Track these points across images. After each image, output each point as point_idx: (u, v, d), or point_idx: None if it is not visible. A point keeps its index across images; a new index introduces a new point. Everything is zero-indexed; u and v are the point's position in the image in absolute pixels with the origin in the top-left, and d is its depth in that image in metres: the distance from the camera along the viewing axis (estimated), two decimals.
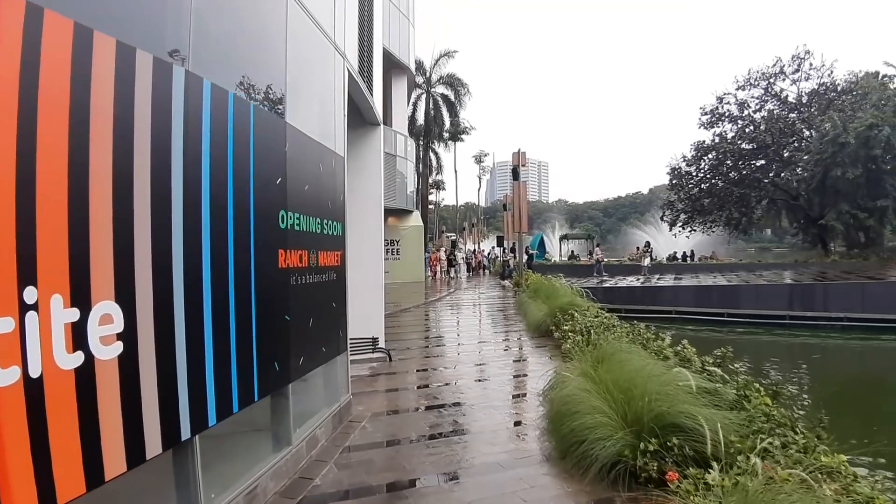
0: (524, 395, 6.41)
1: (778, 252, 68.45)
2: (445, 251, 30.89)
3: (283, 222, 4.02)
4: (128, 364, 2.39)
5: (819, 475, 3.12)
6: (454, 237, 48.88)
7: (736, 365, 4.91)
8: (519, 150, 18.47)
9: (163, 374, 2.63)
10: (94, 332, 2.20)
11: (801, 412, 4.02)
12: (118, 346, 2.34)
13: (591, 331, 7.59)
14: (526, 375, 7.42)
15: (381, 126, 8.26)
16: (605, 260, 33.42)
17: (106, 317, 2.27)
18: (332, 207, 5.09)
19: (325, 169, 4.94)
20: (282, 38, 4.19)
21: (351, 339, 7.82)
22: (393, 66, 25.37)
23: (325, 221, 4.91)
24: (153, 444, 2.56)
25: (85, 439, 2.15)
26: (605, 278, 27.41)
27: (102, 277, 2.27)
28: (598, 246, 34.72)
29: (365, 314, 8.03)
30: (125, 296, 2.39)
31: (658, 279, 25.12)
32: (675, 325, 19.79)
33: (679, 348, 6.28)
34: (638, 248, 40.33)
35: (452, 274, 28.75)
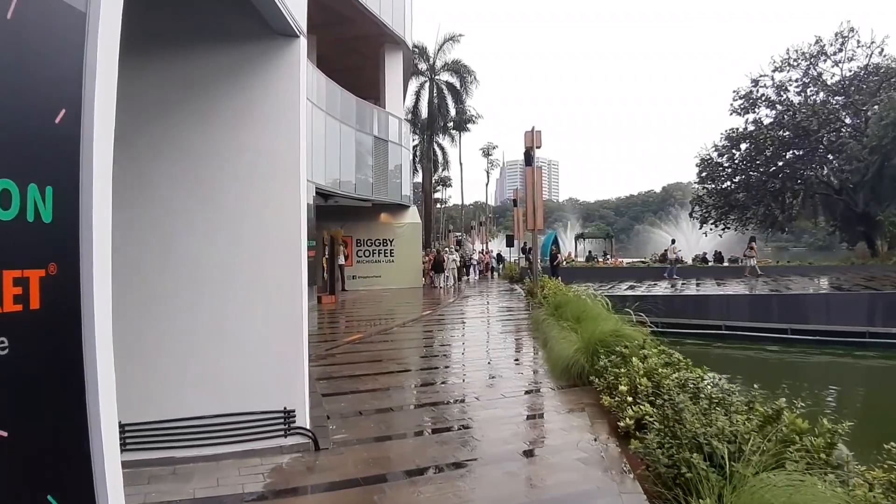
0: None
1: (795, 252, 64.18)
2: (439, 252, 25.53)
3: None
4: None
5: None
6: (460, 235, 45.36)
7: None
8: (533, 128, 14.91)
9: None
10: None
11: None
12: None
13: (684, 409, 4.01)
14: None
15: (303, 40, 4.75)
16: (683, 261, 28.74)
17: None
18: None
19: None
20: None
21: (233, 415, 4.38)
22: (386, 38, 21.94)
23: None
24: None
25: None
26: (676, 280, 23.73)
27: None
28: (672, 243, 28.18)
29: (268, 365, 4.56)
30: None
31: (765, 283, 21.33)
32: (726, 343, 16.20)
33: None
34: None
35: (440, 283, 22.89)
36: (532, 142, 14.76)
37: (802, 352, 15.40)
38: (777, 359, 15.21)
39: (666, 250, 36.35)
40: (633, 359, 5.69)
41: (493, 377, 7.26)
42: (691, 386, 4.61)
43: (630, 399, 4.97)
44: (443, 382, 7.10)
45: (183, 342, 4.43)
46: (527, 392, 6.53)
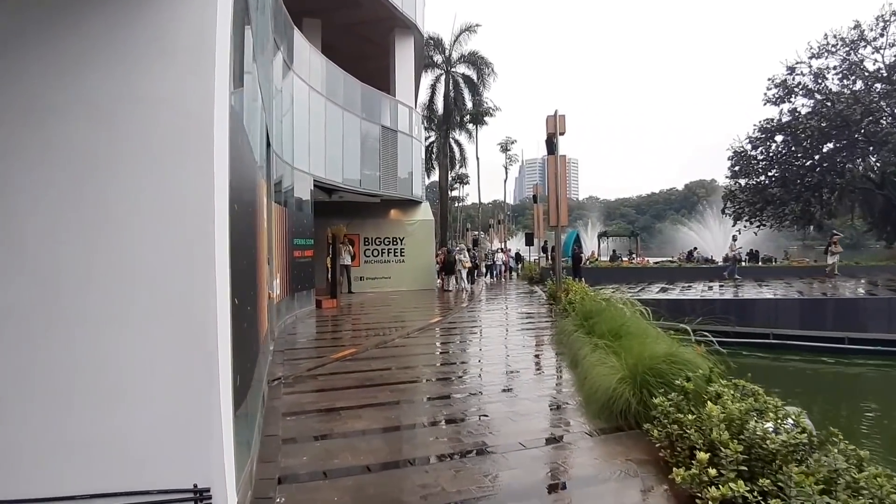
0: None
1: (819, 251, 61.29)
2: (449, 252, 23.18)
3: None
4: None
5: None
6: (477, 234, 43.78)
7: None
8: (556, 112, 13.29)
9: None
10: None
11: None
12: None
13: None
14: None
15: None
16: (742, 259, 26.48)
17: None
18: None
19: None
20: None
21: (120, 495, 2.90)
22: (396, 23, 20.45)
23: None
24: None
25: None
26: (737, 280, 22.12)
27: None
28: (733, 240, 25.70)
29: (168, 424, 3.05)
30: None
31: (811, 285, 19.60)
32: (774, 353, 14.42)
33: None
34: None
35: (452, 286, 20.86)
36: (555, 127, 13.14)
37: (863, 364, 13.60)
38: (835, 372, 13.41)
39: (690, 250, 34.44)
40: (708, 404, 4.08)
41: (510, 413, 5.69)
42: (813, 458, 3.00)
43: (712, 471, 3.37)
44: (445, 421, 5.53)
45: (44, 390, 2.95)
46: (555, 439, 4.94)
